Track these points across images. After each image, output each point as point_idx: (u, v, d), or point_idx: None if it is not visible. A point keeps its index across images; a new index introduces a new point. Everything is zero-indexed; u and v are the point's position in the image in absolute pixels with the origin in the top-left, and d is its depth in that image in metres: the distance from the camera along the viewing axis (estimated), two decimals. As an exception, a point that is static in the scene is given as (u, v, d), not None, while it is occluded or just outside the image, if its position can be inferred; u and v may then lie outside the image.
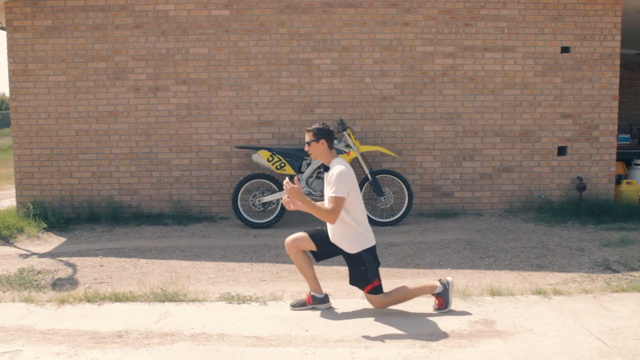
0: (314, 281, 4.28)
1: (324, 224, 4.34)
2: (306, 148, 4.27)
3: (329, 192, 4.05)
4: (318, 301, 4.28)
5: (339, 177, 3.99)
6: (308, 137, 4.25)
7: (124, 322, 4.04)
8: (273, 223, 7.02)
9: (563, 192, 7.75)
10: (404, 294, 4.19)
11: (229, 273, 5.26)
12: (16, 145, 7.47)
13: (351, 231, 4.11)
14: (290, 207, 4.22)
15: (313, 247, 4.25)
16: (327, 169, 4.18)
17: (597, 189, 7.75)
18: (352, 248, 4.14)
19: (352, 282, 4.23)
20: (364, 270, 4.13)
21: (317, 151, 4.21)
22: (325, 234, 4.27)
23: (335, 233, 4.18)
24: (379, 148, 7.14)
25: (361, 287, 4.19)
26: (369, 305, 4.29)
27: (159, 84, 7.43)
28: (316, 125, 4.22)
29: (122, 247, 6.16)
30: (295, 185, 4.04)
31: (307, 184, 7.00)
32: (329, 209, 3.99)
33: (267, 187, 7.11)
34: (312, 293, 4.30)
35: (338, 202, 3.98)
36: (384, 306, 4.20)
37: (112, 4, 7.29)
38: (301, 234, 4.26)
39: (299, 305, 4.29)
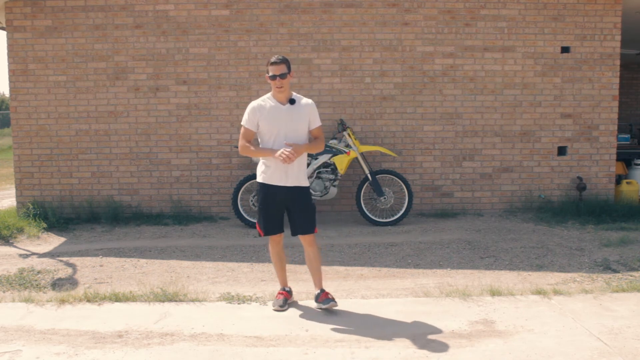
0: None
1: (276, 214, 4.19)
2: (279, 83, 3.92)
3: (313, 122, 4.12)
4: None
5: (315, 107, 4.17)
6: (281, 70, 3.91)
7: (124, 322, 4.04)
8: (273, 223, 7.01)
9: (563, 192, 7.74)
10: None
11: (229, 273, 5.26)
12: (16, 145, 7.47)
13: (304, 159, 4.15)
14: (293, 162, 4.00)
15: (282, 231, 4.26)
16: (292, 101, 4.05)
17: (597, 189, 7.75)
18: (306, 179, 4.18)
19: (304, 225, 4.12)
20: (313, 206, 4.18)
21: (287, 85, 3.98)
22: (277, 215, 4.18)
23: (295, 171, 4.08)
24: (379, 148, 7.14)
25: (312, 229, 4.14)
26: (369, 306, 4.29)
27: (159, 84, 7.42)
28: (281, 56, 3.96)
29: (122, 247, 6.16)
30: (290, 149, 3.91)
31: None
32: (321, 138, 4.18)
33: (267, 187, 7.10)
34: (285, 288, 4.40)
35: (321, 130, 4.21)
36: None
37: (112, 4, 7.29)
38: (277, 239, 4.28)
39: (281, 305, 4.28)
